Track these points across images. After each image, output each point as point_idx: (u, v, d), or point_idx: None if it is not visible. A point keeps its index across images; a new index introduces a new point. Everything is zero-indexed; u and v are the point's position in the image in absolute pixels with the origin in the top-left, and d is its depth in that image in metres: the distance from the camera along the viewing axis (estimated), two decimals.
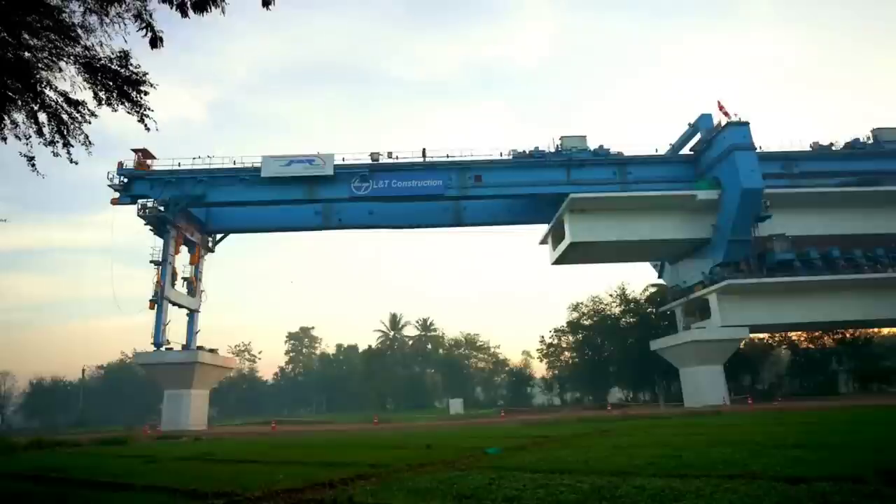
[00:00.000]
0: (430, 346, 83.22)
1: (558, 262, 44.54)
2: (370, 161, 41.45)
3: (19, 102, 7.70)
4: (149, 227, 40.21)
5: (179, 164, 41.18)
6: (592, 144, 43.01)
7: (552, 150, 42.58)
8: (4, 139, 7.91)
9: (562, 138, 42.74)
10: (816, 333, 50.22)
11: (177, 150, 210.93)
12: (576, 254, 42.60)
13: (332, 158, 40.57)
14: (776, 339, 53.53)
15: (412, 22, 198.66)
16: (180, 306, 41.81)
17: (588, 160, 42.43)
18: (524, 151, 42.46)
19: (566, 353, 62.32)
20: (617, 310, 58.71)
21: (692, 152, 43.52)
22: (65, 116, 8.06)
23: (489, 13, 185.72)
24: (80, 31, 7.45)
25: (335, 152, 40.95)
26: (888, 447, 7.66)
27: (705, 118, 42.23)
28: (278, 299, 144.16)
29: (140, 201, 40.19)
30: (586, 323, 59.30)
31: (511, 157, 42.40)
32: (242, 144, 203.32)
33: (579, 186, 41.10)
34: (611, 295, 59.30)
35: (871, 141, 43.70)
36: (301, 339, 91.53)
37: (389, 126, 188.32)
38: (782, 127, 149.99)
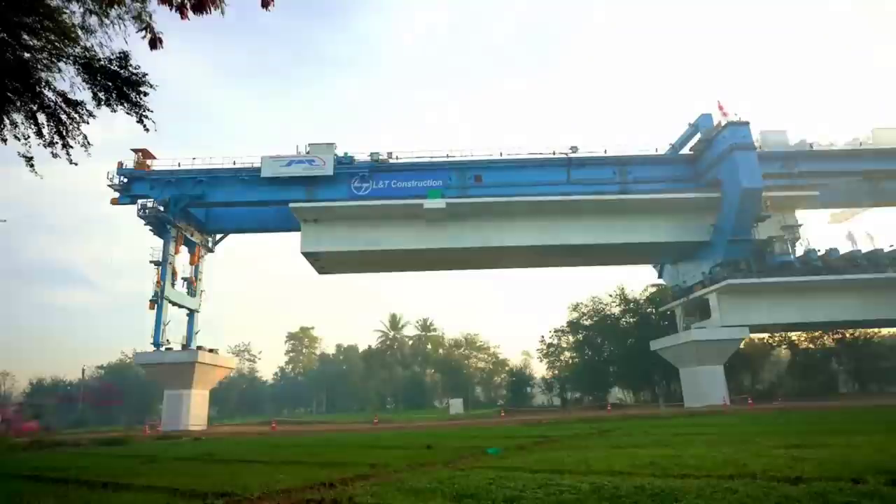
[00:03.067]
0: (429, 346, 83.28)
1: (322, 272, 44.91)
2: (370, 161, 41.46)
3: (18, 103, 7.70)
4: (148, 227, 40.23)
5: (179, 164, 41.22)
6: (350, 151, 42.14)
7: (301, 156, 41.04)
8: (4, 140, 7.91)
9: (309, 145, 41.27)
10: (816, 333, 50.22)
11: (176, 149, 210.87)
12: (322, 263, 42.80)
13: (331, 159, 40.58)
14: (776, 339, 53.51)
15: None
16: (180, 306, 41.83)
17: (588, 160, 42.41)
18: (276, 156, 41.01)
19: (566, 353, 62.28)
20: (617, 310, 58.68)
21: (692, 152, 43.52)
22: (63, 117, 8.07)
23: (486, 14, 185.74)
24: (80, 31, 7.46)
25: (335, 153, 41.01)
26: (888, 447, 7.66)
27: (705, 118, 42.21)
28: (278, 299, 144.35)
29: (140, 201, 40.22)
30: (586, 323, 59.26)
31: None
32: (242, 144, 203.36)
33: (579, 186, 41.13)
34: (611, 295, 59.36)
35: (870, 141, 43.71)
36: (301, 340, 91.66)
37: (389, 125, 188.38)
38: (782, 127, 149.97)
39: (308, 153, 40.83)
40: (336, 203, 39.63)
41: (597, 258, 45.91)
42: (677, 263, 46.16)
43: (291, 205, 39.18)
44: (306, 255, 40.81)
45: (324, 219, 39.94)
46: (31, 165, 8.23)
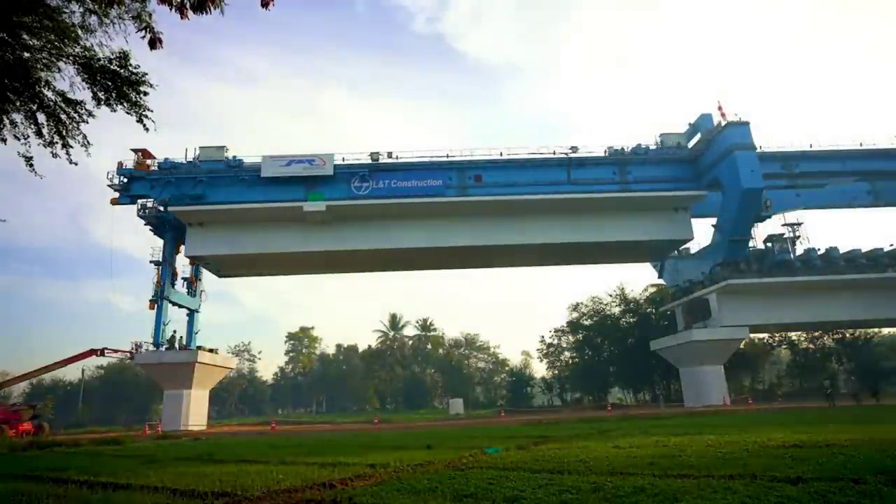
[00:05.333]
0: (429, 346, 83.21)
1: (219, 275, 45.39)
2: (370, 161, 41.45)
3: (18, 103, 7.69)
4: (149, 227, 40.20)
5: (180, 164, 41.13)
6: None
7: (190, 160, 40.86)
8: (4, 140, 7.90)
9: (200, 148, 41.35)
10: (816, 333, 50.23)
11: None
12: (214, 266, 43.06)
13: (331, 158, 40.55)
14: (776, 339, 53.53)
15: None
16: (180, 306, 41.80)
17: (588, 160, 42.36)
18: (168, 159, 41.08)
19: (566, 353, 62.32)
20: (617, 310, 58.73)
21: (693, 152, 43.46)
22: (63, 117, 8.06)
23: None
24: (79, 31, 7.45)
25: (335, 152, 41.01)
26: (888, 447, 7.65)
27: (706, 118, 42.23)
28: (278, 299, 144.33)
29: (140, 201, 40.20)
30: (586, 323, 59.29)
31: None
32: (242, 144, 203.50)
33: (579, 186, 41.09)
34: (611, 295, 59.39)
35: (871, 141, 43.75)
36: (301, 340, 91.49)
37: (389, 125, 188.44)
38: (783, 127, 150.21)
39: (199, 157, 41.08)
40: (219, 206, 39.26)
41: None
42: (678, 262, 46.16)
43: (171, 208, 38.70)
44: (191, 258, 40.70)
45: (209, 222, 39.62)
46: (31, 165, 8.22)
